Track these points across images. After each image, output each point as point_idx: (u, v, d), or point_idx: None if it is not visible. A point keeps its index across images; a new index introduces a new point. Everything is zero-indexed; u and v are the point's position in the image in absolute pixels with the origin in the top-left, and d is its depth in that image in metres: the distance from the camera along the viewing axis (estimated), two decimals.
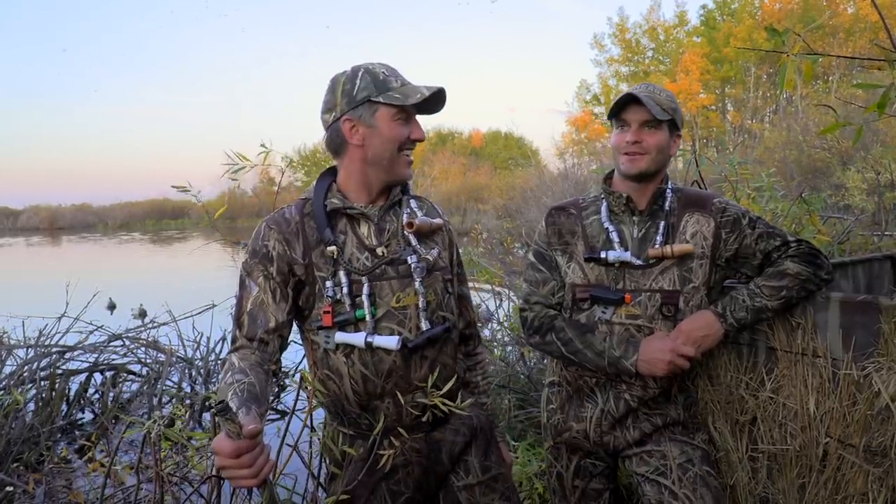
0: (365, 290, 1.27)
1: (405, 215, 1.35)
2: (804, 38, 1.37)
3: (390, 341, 1.24)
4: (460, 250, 1.54)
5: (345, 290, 1.26)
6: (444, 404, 1.28)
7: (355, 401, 1.32)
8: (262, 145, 1.73)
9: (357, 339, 1.25)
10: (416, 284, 1.30)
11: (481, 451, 1.43)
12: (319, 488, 1.64)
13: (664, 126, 1.45)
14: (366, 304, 1.26)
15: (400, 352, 1.26)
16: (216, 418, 0.91)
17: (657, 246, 1.45)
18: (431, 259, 1.34)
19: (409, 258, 1.31)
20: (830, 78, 29.52)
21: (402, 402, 1.30)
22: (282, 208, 1.35)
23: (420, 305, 1.30)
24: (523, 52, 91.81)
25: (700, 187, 2.46)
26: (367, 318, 1.26)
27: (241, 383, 1.07)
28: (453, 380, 1.33)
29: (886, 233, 3.60)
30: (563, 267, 1.55)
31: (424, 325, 1.30)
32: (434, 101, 1.29)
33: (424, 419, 1.34)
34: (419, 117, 1.34)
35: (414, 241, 1.33)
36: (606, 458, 1.61)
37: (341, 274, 1.27)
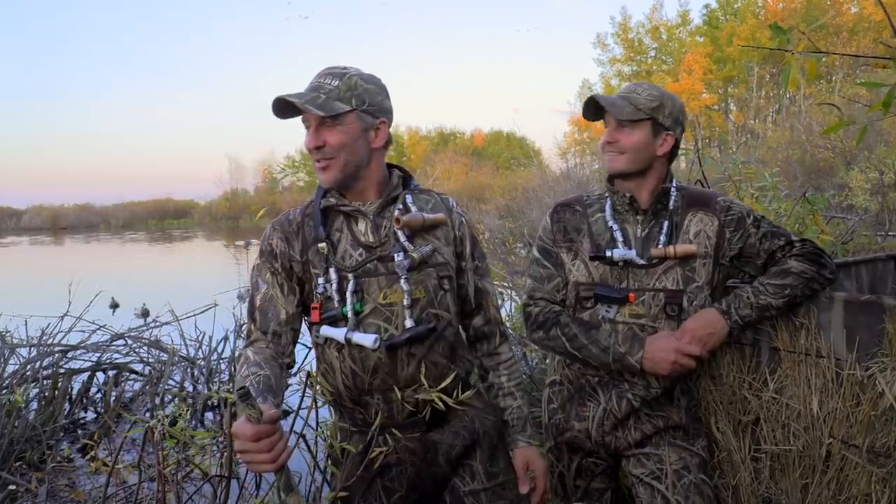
0: (350, 286, 1.28)
1: (396, 211, 1.35)
2: (809, 36, 1.36)
3: (367, 339, 1.25)
4: None
5: (334, 286, 1.28)
6: (440, 399, 1.27)
7: (347, 395, 1.34)
8: (292, 157, 1.73)
9: (338, 334, 1.27)
10: (401, 281, 1.29)
11: (486, 457, 1.40)
12: (324, 483, 1.64)
13: (643, 125, 1.44)
14: (349, 300, 1.27)
15: (385, 348, 1.27)
16: (236, 404, 0.94)
17: (660, 246, 1.45)
18: (418, 256, 1.31)
19: (396, 254, 1.30)
20: (833, 77, 29.46)
21: (392, 399, 1.30)
22: (288, 210, 1.40)
23: (404, 303, 1.29)
24: (525, 51, 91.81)
25: (703, 187, 2.46)
26: (350, 314, 1.27)
27: (257, 375, 1.10)
28: (450, 379, 1.31)
29: (890, 233, 3.59)
30: (567, 264, 1.54)
31: (409, 323, 1.29)
32: (311, 111, 1.23)
33: (422, 415, 1.33)
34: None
35: (402, 237, 1.32)
36: (607, 457, 1.60)
37: (332, 271, 1.29)
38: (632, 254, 1.46)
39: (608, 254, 1.46)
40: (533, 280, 1.60)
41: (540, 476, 1.43)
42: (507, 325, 3.65)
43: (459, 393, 1.32)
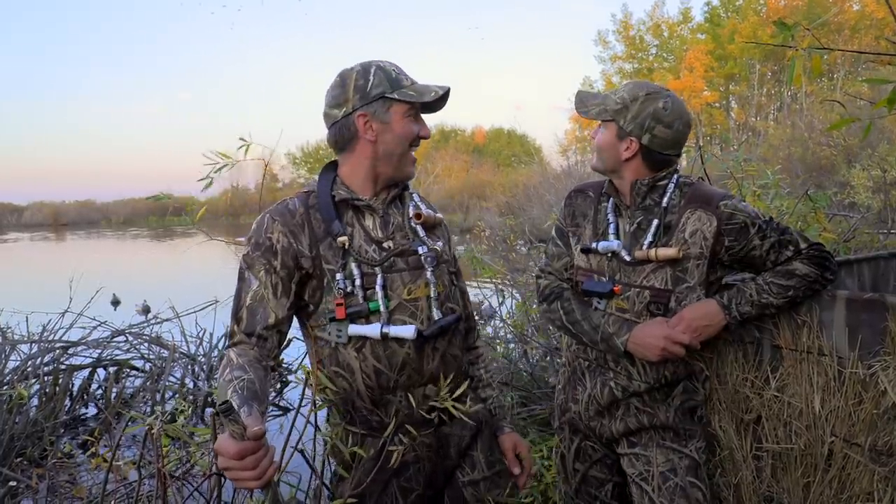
0: (378, 281, 1.26)
1: (411, 207, 1.36)
2: (812, 32, 1.35)
3: (407, 330, 1.24)
4: (462, 248, 1.55)
5: (357, 281, 1.25)
6: (454, 408, 1.29)
7: (367, 396, 1.30)
8: (242, 139, 1.70)
9: (372, 330, 1.24)
10: (428, 274, 1.30)
11: (486, 446, 1.44)
12: (324, 489, 1.63)
13: (610, 126, 1.45)
14: (380, 295, 1.25)
15: (413, 343, 1.26)
16: (219, 418, 0.90)
17: (644, 248, 1.44)
18: (444, 250, 1.36)
19: (419, 249, 1.31)
20: (835, 75, 29.40)
21: (413, 396, 1.30)
22: (284, 200, 1.32)
23: (432, 295, 1.30)
24: (526, 49, 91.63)
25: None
26: (382, 309, 1.25)
27: (241, 380, 1.05)
28: (454, 372, 1.34)
29: (892, 231, 3.58)
30: (573, 247, 1.59)
31: (437, 315, 1.30)
32: (440, 99, 1.32)
33: (437, 411, 1.34)
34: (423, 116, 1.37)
35: (422, 233, 1.35)
36: (601, 445, 1.61)
37: (353, 266, 1.25)
38: (614, 245, 1.46)
39: (594, 246, 1.49)
40: (546, 256, 1.67)
41: (526, 458, 1.48)
42: (508, 322, 3.66)
43: (467, 388, 1.35)
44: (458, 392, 1.31)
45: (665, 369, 1.48)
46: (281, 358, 1.32)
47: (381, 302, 1.25)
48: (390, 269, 1.28)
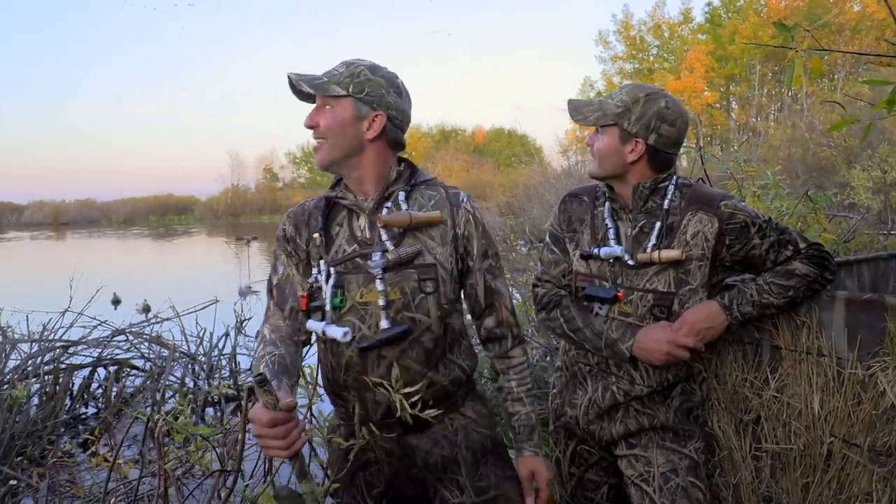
0: (331, 280, 1.28)
1: (384, 210, 1.32)
2: (813, 33, 1.35)
3: (337, 332, 1.22)
4: None
5: (322, 277, 1.30)
6: (401, 403, 1.20)
7: (328, 389, 1.37)
8: (289, 154, 1.75)
9: (317, 327, 1.28)
10: (377, 281, 1.26)
11: (472, 471, 1.35)
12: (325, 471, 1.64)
13: (611, 130, 1.43)
14: (328, 294, 1.28)
15: (357, 347, 1.26)
16: (254, 389, 0.98)
17: (647, 251, 1.44)
18: (394, 257, 1.27)
19: (374, 254, 1.27)
20: (836, 76, 29.41)
21: (366, 398, 1.28)
22: (305, 200, 1.43)
23: (380, 303, 1.26)
24: (526, 49, 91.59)
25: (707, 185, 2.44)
26: (327, 308, 1.28)
27: (272, 355, 1.13)
28: (419, 385, 1.24)
29: (892, 231, 3.59)
30: (570, 253, 1.57)
31: (384, 324, 1.26)
32: (304, 88, 1.29)
33: (396, 419, 1.27)
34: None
35: (385, 236, 1.29)
36: (598, 448, 1.61)
37: (322, 263, 1.31)
38: (617, 251, 1.45)
39: (595, 251, 1.48)
40: (542, 264, 1.65)
41: (543, 487, 1.38)
42: None
43: (448, 399, 1.32)
44: (410, 390, 1.23)
45: (668, 373, 1.48)
46: None
47: (328, 301, 1.28)
48: (348, 271, 1.29)
